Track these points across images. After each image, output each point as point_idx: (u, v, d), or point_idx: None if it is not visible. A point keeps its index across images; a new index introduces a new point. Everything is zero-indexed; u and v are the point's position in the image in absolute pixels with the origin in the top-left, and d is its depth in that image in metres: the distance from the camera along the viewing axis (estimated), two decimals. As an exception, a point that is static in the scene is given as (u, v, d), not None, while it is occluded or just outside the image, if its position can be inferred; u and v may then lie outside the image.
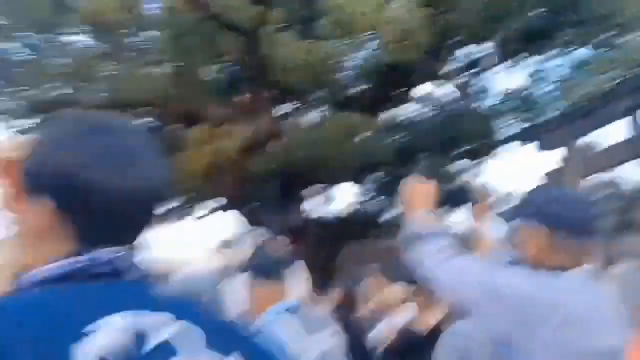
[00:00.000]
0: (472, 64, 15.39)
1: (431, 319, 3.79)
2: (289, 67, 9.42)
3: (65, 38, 13.40)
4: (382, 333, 4.57)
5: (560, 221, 1.50)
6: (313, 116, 13.05)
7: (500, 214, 2.03)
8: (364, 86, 14.32)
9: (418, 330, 3.60)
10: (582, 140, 14.08)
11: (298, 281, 2.13)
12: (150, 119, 15.11)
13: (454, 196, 1.74)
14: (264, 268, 2.00)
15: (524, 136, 15.87)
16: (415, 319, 4.35)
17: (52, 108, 13.38)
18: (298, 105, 12.97)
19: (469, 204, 1.99)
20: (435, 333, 3.55)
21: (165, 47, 11.81)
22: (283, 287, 1.99)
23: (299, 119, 13.14)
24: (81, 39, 13.49)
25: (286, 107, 13.48)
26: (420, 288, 4.10)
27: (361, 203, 17.97)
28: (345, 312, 4.49)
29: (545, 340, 1.36)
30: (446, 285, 1.57)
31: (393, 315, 4.72)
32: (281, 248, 2.41)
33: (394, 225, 17.05)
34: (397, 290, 5.53)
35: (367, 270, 6.46)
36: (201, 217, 19.45)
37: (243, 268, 2.10)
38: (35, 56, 13.40)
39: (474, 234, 2.05)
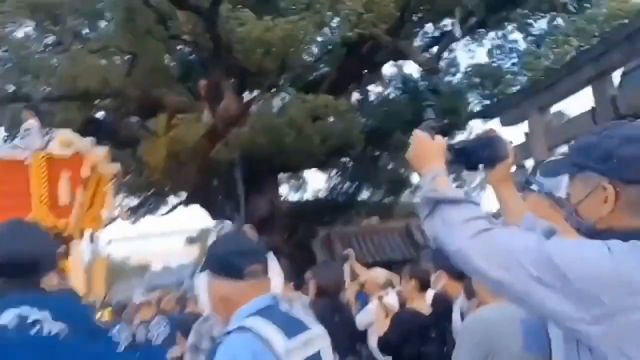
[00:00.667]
0: (435, 40, 15.28)
1: (421, 303, 3.54)
2: (248, 47, 8.96)
3: (5, 31, 12.52)
4: (370, 316, 4.32)
5: (636, 170, 1.12)
6: (276, 100, 12.64)
7: (529, 172, 1.62)
8: (328, 66, 13.99)
9: (413, 316, 3.33)
10: (545, 113, 14.14)
11: (270, 276, 1.73)
12: (106, 111, 14.45)
13: (468, 154, 1.36)
14: (223, 264, 1.60)
15: (487, 112, 15.89)
16: (402, 302, 4.11)
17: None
18: (260, 89, 12.54)
19: (487, 163, 1.56)
20: (432, 319, 3.29)
21: (118, 31, 11.12)
22: (251, 285, 1.59)
23: (261, 103, 12.72)
24: (23, 31, 12.68)
25: (248, 92, 13.03)
26: (411, 270, 3.82)
27: (330, 188, 17.76)
28: (327, 298, 4.19)
29: (629, 328, 1.02)
30: (482, 263, 1.17)
31: (379, 298, 4.47)
32: (249, 239, 1.96)
33: (364, 209, 16.95)
34: (380, 272, 5.29)
35: (345, 254, 6.22)
36: (166, 213, 18.94)
37: (202, 266, 1.69)
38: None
39: (498, 200, 1.63)
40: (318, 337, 1.69)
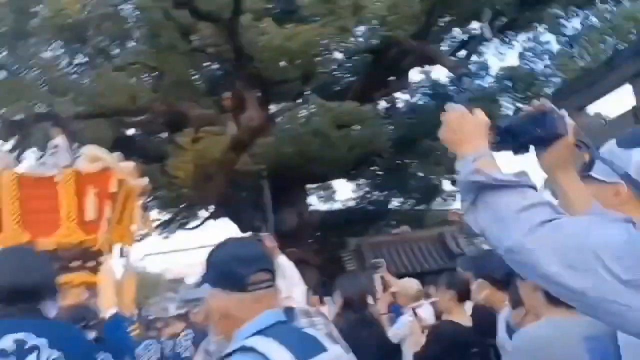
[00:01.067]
0: (463, 43, 14.94)
1: (461, 315, 3.24)
2: (269, 56, 8.84)
3: (34, 51, 12.76)
4: (404, 329, 4.04)
5: None
6: (301, 109, 12.49)
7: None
8: (354, 74, 13.79)
9: (454, 330, 3.03)
10: (583, 113, 13.65)
11: (287, 286, 1.49)
12: (134, 127, 14.58)
13: (516, 133, 1.14)
14: (222, 274, 1.37)
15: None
16: (439, 314, 3.83)
17: (30, 126, 12.81)
18: (284, 99, 12.41)
19: (541, 143, 1.23)
20: (474, 333, 3.00)
21: (144, 47, 11.20)
22: (256, 297, 1.35)
23: (286, 113, 12.59)
24: (52, 51, 12.91)
25: (272, 102, 12.93)
26: (448, 279, 3.52)
27: (360, 198, 17.48)
28: (354, 311, 3.95)
29: None
30: (547, 262, 0.89)
31: (413, 310, 4.19)
32: (253, 243, 1.71)
33: (395, 218, 16.59)
34: (412, 282, 5.01)
35: (375, 264, 5.99)
36: (197, 226, 18.97)
37: (201, 278, 1.48)
38: (4, 72, 12.80)
39: (554, 188, 1.31)
40: (337, 359, 1.43)
